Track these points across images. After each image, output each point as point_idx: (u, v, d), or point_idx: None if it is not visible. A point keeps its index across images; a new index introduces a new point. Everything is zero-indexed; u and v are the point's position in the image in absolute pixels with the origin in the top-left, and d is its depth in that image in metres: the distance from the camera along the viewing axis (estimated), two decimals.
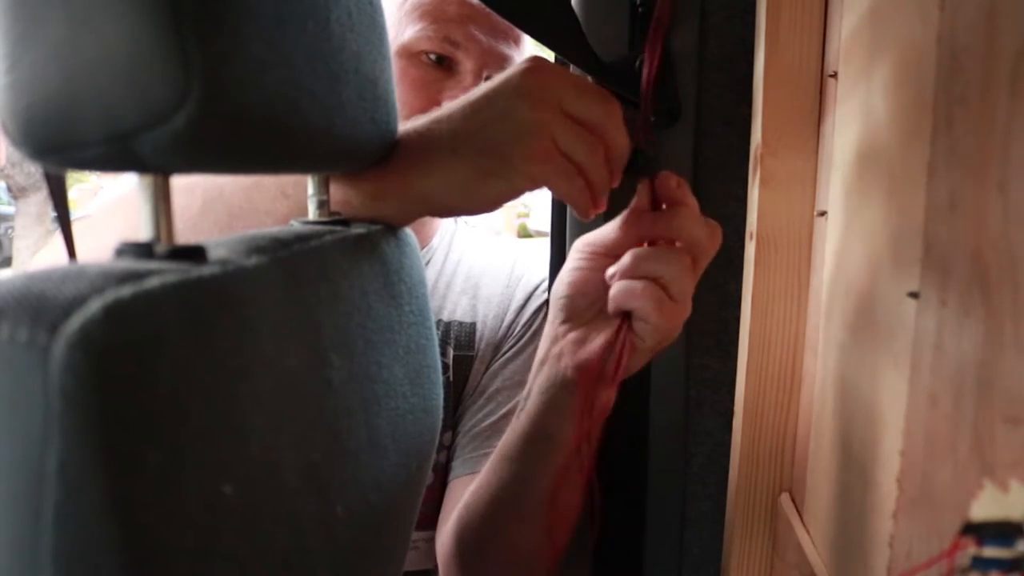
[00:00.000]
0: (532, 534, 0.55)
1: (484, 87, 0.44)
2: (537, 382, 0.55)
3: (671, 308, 0.47)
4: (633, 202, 0.51)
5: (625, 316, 0.50)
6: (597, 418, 0.51)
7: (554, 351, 0.54)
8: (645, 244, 0.50)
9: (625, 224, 0.51)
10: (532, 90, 0.42)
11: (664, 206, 0.50)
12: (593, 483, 0.59)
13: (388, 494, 0.41)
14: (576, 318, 0.54)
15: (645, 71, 0.54)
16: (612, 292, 0.50)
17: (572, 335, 0.53)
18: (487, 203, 0.44)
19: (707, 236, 0.48)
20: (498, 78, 0.44)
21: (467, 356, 0.77)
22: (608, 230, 0.52)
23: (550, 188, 0.45)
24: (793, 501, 0.58)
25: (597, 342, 0.51)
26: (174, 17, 0.24)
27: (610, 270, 0.51)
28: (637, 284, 0.48)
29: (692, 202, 0.49)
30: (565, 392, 0.53)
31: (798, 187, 0.57)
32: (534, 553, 0.57)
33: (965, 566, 0.26)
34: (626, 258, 0.49)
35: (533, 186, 0.43)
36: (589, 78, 0.57)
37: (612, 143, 0.45)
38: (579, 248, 0.54)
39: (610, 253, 0.52)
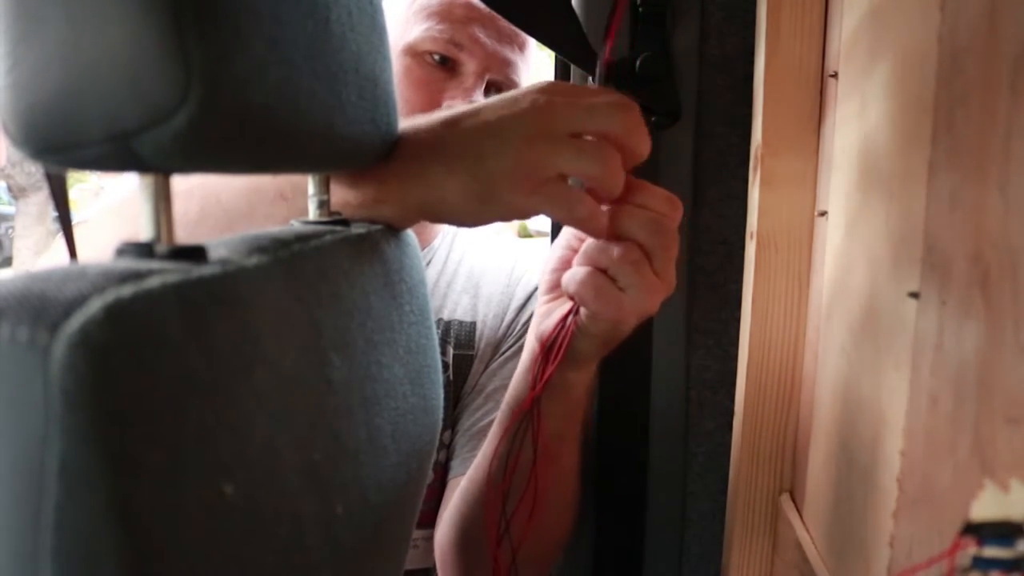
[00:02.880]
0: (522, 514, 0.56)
1: (495, 110, 0.43)
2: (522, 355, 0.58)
3: (615, 298, 0.47)
4: None
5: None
6: (539, 389, 0.54)
7: (532, 322, 0.57)
8: None
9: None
10: (532, 127, 0.42)
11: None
12: (577, 487, 0.60)
13: (388, 494, 0.41)
14: (553, 292, 0.56)
15: (602, 60, 0.54)
16: (563, 277, 0.51)
17: (544, 308, 0.56)
18: (478, 223, 0.44)
19: (651, 234, 0.47)
20: (509, 104, 0.43)
21: (467, 355, 0.77)
22: None
23: (547, 216, 0.45)
24: (793, 501, 0.58)
25: (554, 317, 0.54)
26: (174, 17, 0.24)
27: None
28: (581, 271, 0.48)
29: (642, 198, 0.47)
30: (531, 360, 0.56)
31: (798, 187, 0.57)
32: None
33: (965, 566, 0.26)
34: (583, 246, 0.50)
35: (523, 215, 0.43)
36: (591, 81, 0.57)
37: (631, 150, 0.44)
38: (568, 231, 0.56)
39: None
